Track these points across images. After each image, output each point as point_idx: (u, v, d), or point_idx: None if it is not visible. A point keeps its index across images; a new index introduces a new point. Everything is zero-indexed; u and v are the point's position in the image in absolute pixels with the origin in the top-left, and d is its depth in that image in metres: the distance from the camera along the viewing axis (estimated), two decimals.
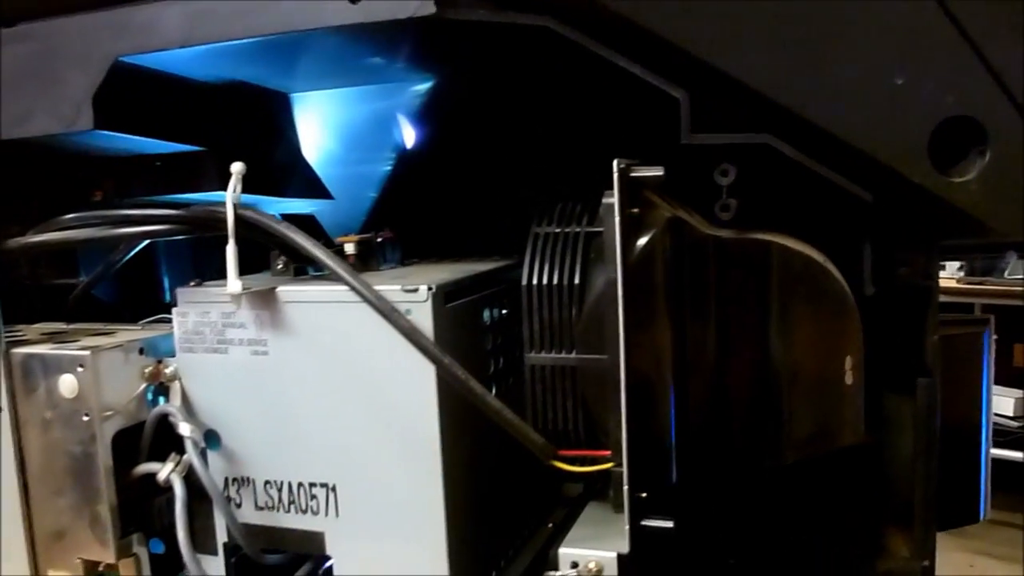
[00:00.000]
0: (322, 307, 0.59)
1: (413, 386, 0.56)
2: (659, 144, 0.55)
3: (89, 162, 0.71)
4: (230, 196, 0.57)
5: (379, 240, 0.67)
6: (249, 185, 0.61)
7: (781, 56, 0.52)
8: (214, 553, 0.65)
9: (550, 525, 0.75)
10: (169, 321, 0.73)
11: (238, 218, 0.57)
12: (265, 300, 0.60)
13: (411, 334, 0.53)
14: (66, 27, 0.57)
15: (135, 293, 0.79)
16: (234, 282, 0.58)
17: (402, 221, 0.72)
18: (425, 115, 0.71)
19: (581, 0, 0.49)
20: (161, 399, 0.65)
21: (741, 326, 0.58)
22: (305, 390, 0.60)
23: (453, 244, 0.75)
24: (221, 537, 0.65)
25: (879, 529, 0.66)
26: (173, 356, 0.64)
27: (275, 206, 0.78)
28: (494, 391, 0.62)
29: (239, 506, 0.63)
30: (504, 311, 0.67)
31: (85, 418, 0.60)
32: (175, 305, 0.63)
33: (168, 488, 0.62)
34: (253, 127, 0.70)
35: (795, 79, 0.52)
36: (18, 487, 0.63)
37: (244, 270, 0.58)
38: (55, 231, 0.61)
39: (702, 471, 0.58)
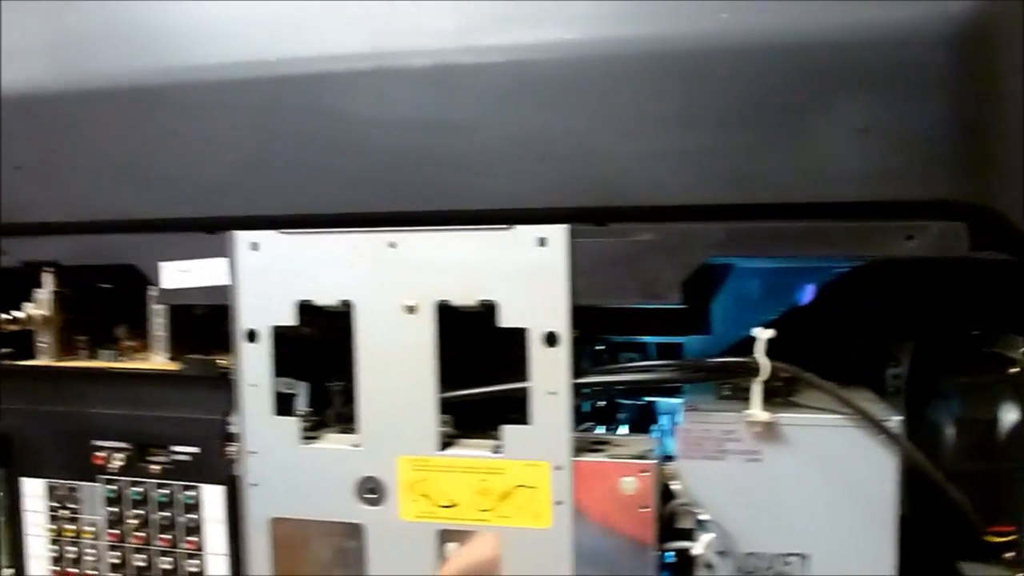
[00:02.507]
0: (811, 429, 0.84)
1: (880, 480, 0.82)
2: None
3: None
4: (761, 351, 0.83)
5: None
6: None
7: None
8: None
9: None
10: None
11: (773, 367, 0.82)
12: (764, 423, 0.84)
13: (912, 453, 0.80)
14: (659, 230, 0.81)
15: None
16: (760, 413, 0.82)
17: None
18: (828, 281, 0.98)
19: None
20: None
21: None
22: (791, 486, 0.84)
23: None
24: None
25: None
26: (665, 460, 0.88)
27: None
28: None
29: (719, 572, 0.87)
30: None
31: (644, 510, 0.83)
32: (676, 423, 0.87)
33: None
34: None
35: None
36: (571, 558, 0.84)
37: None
38: (612, 374, 0.85)
39: None
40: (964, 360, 0.89)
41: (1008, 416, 0.84)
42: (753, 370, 0.82)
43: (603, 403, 1.07)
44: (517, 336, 0.84)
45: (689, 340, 1.04)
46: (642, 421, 1.12)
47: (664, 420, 1.08)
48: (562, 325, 0.82)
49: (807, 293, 0.96)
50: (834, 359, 0.95)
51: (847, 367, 1.01)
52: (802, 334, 0.90)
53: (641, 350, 1.07)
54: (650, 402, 1.10)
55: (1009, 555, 0.84)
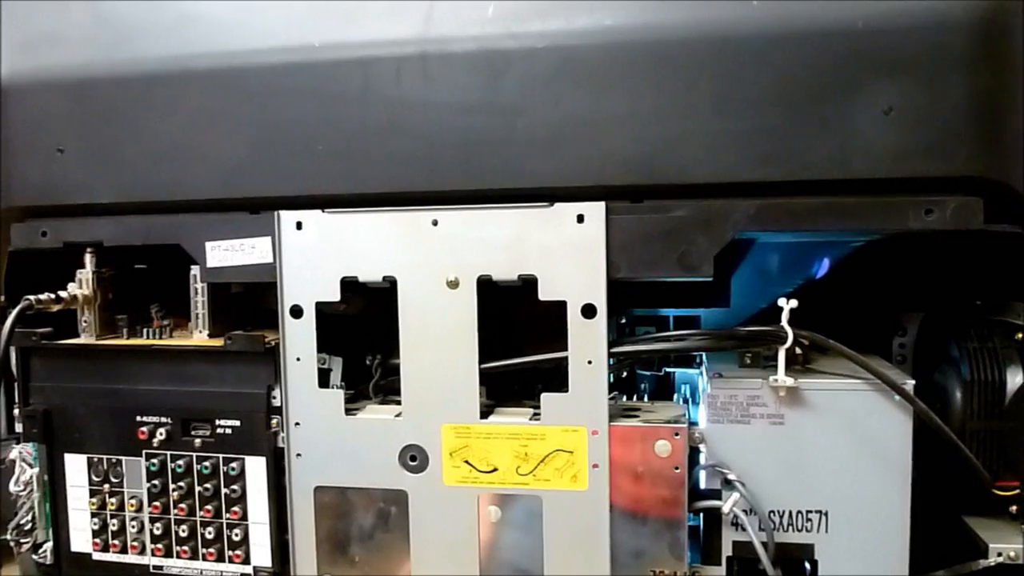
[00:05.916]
0: (832, 393, 0.89)
1: (895, 441, 0.87)
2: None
3: None
4: (785, 319, 0.88)
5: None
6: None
7: None
8: (718, 564, 0.93)
9: None
10: None
11: (795, 335, 0.87)
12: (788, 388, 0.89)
13: (927, 413, 0.85)
14: (693, 207, 0.85)
15: None
16: (785, 378, 0.88)
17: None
18: (845, 254, 1.03)
19: None
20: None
21: None
22: (811, 446, 0.89)
23: None
24: (726, 552, 0.93)
25: None
26: (693, 424, 0.92)
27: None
28: None
29: (743, 528, 0.92)
30: None
31: (676, 470, 0.87)
32: (704, 390, 0.92)
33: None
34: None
35: None
36: (608, 519, 0.89)
37: None
38: (647, 343, 0.89)
39: None
40: (971, 328, 0.94)
41: (1015, 378, 0.90)
42: (781, 338, 0.87)
43: (624, 374, 1.12)
44: (550, 309, 0.88)
45: (706, 313, 1.09)
46: (659, 392, 1.16)
47: (683, 389, 1.13)
48: (600, 297, 0.87)
49: (822, 267, 1.02)
50: (844, 330, 1.01)
51: (856, 338, 1.07)
52: (815, 306, 0.95)
53: (660, 323, 1.12)
54: (668, 373, 1.15)
55: (1014, 508, 0.90)
